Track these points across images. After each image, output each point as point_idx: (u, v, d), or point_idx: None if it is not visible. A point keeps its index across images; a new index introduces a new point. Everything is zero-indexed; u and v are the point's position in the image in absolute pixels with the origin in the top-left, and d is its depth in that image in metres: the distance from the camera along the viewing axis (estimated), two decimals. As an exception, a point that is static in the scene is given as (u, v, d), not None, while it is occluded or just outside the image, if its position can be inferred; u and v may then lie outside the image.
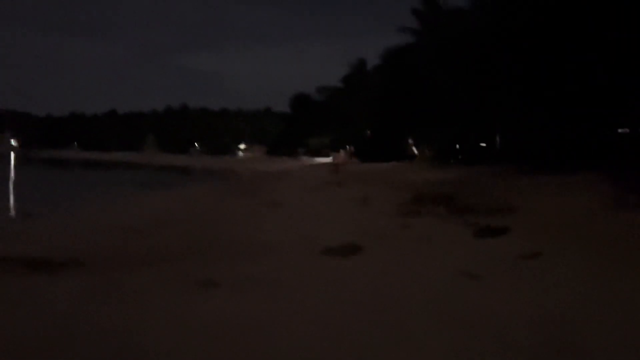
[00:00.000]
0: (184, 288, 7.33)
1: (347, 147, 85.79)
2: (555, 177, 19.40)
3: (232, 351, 5.10)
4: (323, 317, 5.89)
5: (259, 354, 5.02)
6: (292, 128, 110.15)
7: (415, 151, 63.43)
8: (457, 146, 50.35)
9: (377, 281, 7.47)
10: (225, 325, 5.72)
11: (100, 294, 7.15)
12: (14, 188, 37.29)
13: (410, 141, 64.43)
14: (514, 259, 8.15)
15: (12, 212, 22.46)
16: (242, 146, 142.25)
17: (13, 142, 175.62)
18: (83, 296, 7.04)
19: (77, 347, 5.22)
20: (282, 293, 6.93)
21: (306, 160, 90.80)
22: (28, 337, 5.53)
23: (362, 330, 5.49)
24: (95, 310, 6.38)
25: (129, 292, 7.18)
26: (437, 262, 8.45)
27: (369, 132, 72.03)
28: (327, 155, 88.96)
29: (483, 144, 48.75)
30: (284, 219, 15.70)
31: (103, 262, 9.80)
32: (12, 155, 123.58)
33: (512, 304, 6.18)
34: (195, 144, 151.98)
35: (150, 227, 14.77)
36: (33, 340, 5.42)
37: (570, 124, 27.95)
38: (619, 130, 30.32)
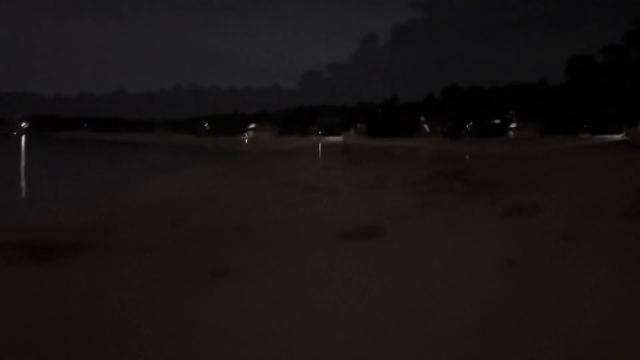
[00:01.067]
0: (192, 276, 6.83)
1: (358, 124, 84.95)
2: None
3: (242, 346, 4.63)
4: (345, 312, 5.36)
5: (270, 351, 4.54)
6: (303, 106, 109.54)
7: (428, 128, 62.71)
8: (470, 123, 49.64)
9: (406, 270, 6.86)
10: (236, 318, 5.24)
11: (104, 282, 6.69)
12: (24, 171, 37.07)
13: (422, 118, 63.70)
14: (552, 242, 7.52)
15: (22, 196, 22.18)
16: (251, 126, 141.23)
17: (24, 124, 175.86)
18: (86, 285, 6.60)
19: (79, 339, 4.81)
20: (297, 283, 6.39)
21: (317, 139, 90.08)
22: (27, 328, 5.19)
23: (392, 327, 4.96)
24: (98, 301, 5.94)
25: (134, 281, 6.70)
26: (469, 247, 7.80)
27: (380, 109, 71.21)
28: (338, 134, 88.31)
29: (497, 121, 47.95)
30: (298, 200, 15.14)
31: (110, 247, 9.33)
32: (23, 137, 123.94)
33: (560, 295, 5.62)
34: (205, 124, 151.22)
35: (158, 211, 14.30)
36: (33, 330, 5.13)
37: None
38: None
